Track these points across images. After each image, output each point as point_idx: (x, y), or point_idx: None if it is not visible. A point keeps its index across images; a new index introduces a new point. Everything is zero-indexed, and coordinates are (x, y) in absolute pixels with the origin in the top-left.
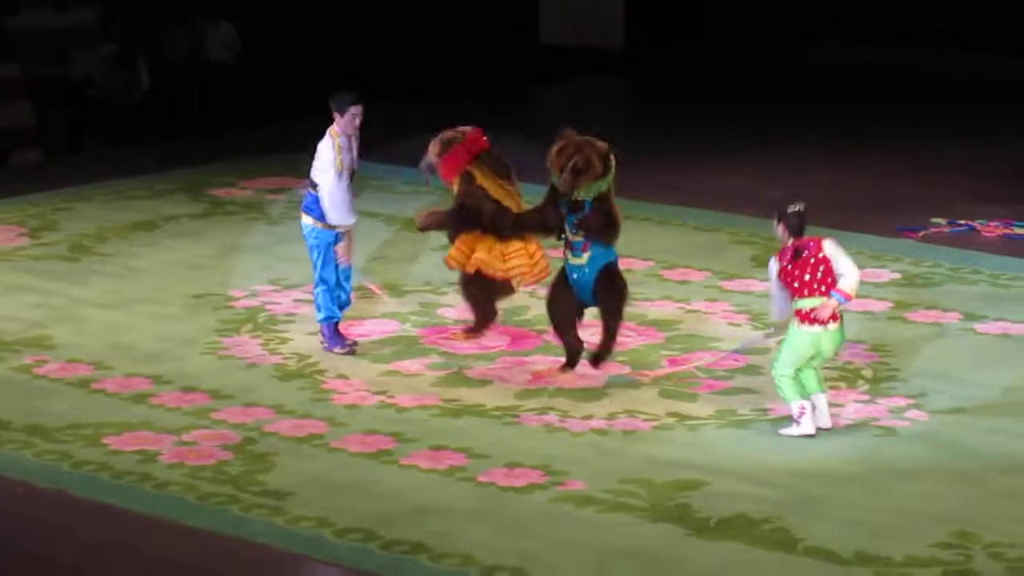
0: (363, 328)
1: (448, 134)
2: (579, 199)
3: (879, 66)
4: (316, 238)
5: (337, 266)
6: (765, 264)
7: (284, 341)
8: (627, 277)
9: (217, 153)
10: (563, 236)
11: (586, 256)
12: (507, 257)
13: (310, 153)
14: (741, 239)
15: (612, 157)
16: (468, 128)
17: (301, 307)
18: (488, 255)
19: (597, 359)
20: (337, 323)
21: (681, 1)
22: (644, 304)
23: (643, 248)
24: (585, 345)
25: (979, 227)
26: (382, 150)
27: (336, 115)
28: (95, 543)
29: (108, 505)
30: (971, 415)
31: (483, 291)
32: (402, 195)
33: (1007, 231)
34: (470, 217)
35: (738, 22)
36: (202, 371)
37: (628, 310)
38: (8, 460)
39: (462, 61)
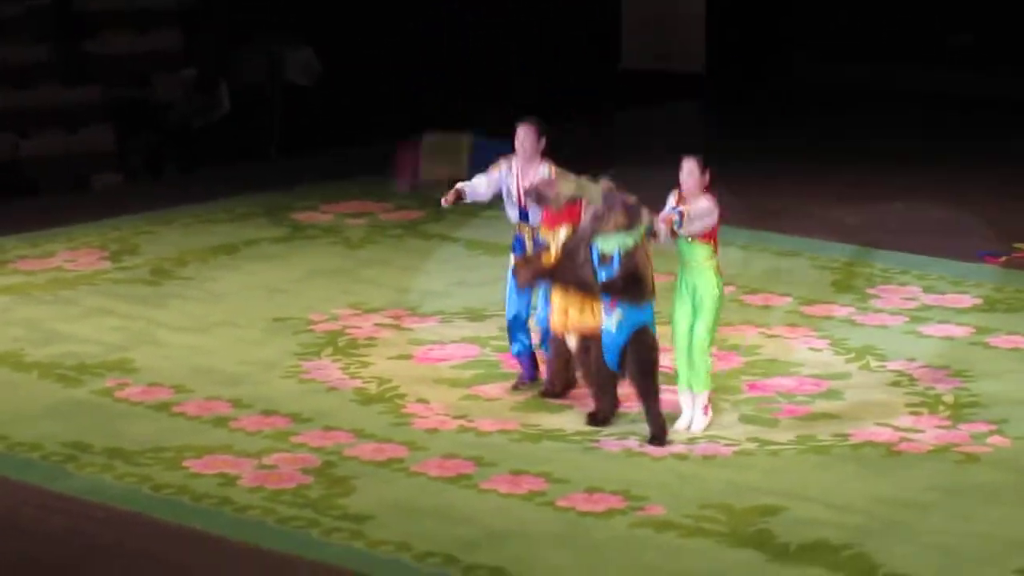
0: (443, 352)
1: (588, 183)
2: (607, 252)
3: (961, 91)
4: None
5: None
6: (846, 289)
7: (364, 365)
8: None
9: (297, 177)
10: None
11: (615, 317)
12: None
13: (389, 177)
14: (821, 264)
15: (642, 211)
16: (595, 181)
17: (381, 331)
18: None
19: (653, 441)
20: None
21: (761, 25)
22: (725, 329)
23: (724, 273)
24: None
25: None
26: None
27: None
28: (175, 567)
29: (188, 528)
30: None
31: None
32: (484, 219)
33: None
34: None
35: (818, 49)
36: (282, 395)
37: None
38: (88, 483)
39: (545, 87)
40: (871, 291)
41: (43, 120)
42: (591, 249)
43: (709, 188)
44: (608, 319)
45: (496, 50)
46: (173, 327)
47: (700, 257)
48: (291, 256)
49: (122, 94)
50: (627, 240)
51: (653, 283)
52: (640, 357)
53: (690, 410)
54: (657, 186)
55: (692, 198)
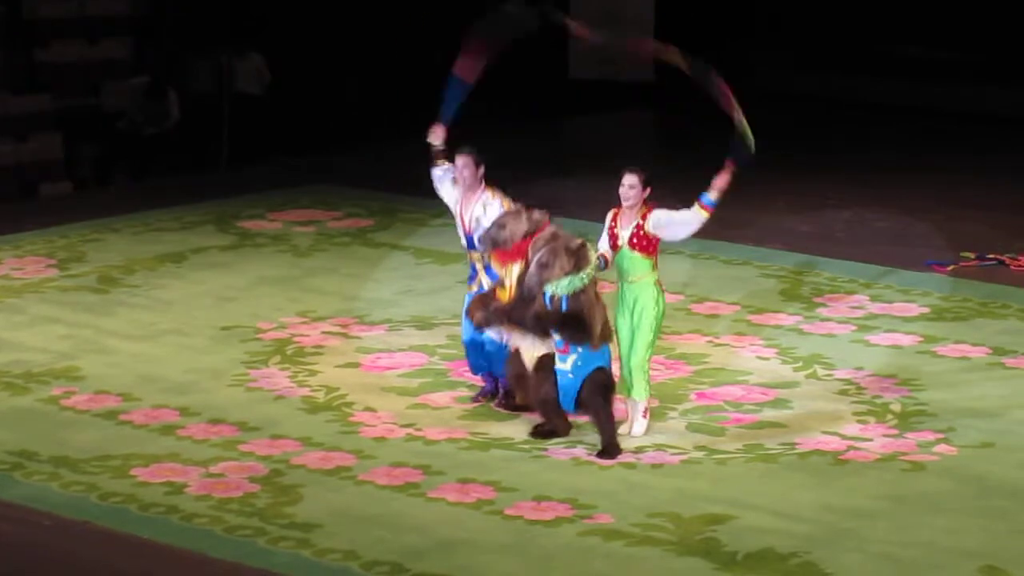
0: (391, 360)
1: (535, 215)
2: (556, 295)
3: (909, 101)
4: None
5: None
6: (794, 298)
7: (312, 373)
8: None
9: (246, 185)
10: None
11: (569, 361)
12: None
13: (337, 184)
14: (770, 273)
15: (588, 251)
16: (541, 213)
17: (329, 339)
18: None
19: (603, 455)
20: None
21: (712, 33)
22: (673, 338)
23: (672, 281)
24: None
25: (1009, 261)
26: (412, 184)
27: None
28: (121, 575)
29: (135, 537)
30: (1000, 450)
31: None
32: (432, 228)
33: None
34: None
35: (769, 55)
36: (230, 403)
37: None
38: (35, 492)
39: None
40: (819, 300)
41: None
42: (543, 293)
43: (649, 203)
44: (563, 363)
45: (444, 59)
46: (120, 335)
47: (641, 270)
48: (239, 264)
49: (72, 103)
50: (575, 283)
51: (607, 326)
52: (593, 388)
53: (631, 416)
54: (611, 196)
55: (633, 213)
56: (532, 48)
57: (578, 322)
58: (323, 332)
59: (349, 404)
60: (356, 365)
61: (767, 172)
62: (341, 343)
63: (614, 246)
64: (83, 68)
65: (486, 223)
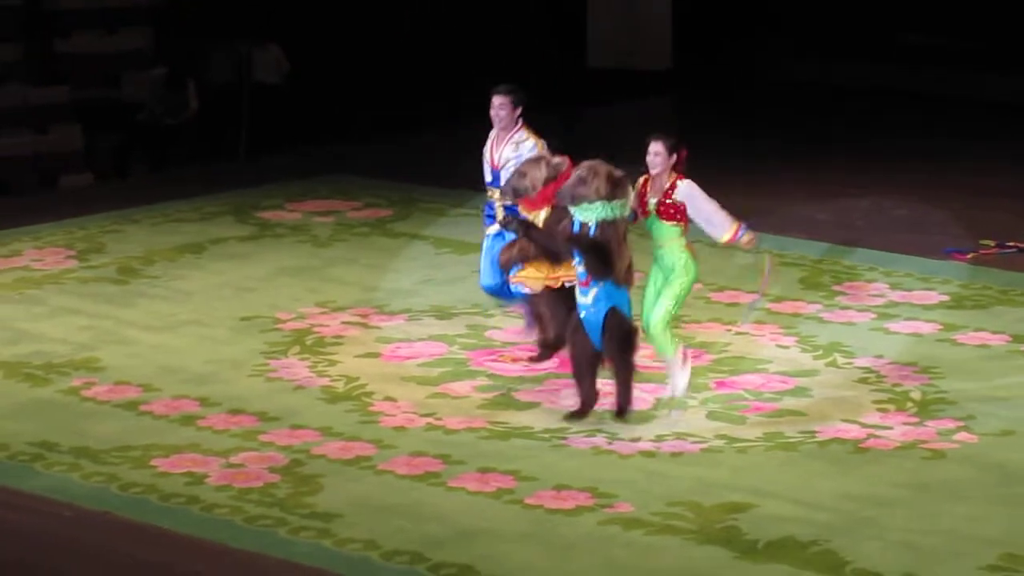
0: (411, 350)
1: (555, 160)
2: (586, 222)
3: (929, 89)
4: None
5: None
6: (813, 286)
7: (332, 363)
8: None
9: (265, 175)
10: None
11: (591, 295)
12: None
13: (356, 174)
14: (789, 261)
15: (627, 186)
16: (562, 159)
17: (349, 329)
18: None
19: (619, 415)
20: None
21: (728, 22)
22: (692, 327)
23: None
24: (600, 396)
25: None
26: (431, 173)
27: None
28: (142, 565)
29: (155, 527)
30: (1020, 437)
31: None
32: (451, 218)
33: None
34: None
35: (785, 45)
36: (250, 393)
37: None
38: (55, 483)
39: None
40: (838, 288)
41: (11, 120)
42: (572, 219)
43: (680, 171)
44: (584, 297)
45: (463, 49)
46: (140, 326)
47: (668, 236)
48: (258, 255)
49: (91, 94)
50: (607, 212)
51: (631, 269)
52: (619, 332)
53: (670, 375)
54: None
55: (661, 181)
56: (550, 37)
57: (602, 252)
58: (343, 322)
59: (369, 394)
60: (376, 355)
61: (784, 161)
62: (361, 333)
63: (643, 212)
64: (102, 59)
65: (515, 164)
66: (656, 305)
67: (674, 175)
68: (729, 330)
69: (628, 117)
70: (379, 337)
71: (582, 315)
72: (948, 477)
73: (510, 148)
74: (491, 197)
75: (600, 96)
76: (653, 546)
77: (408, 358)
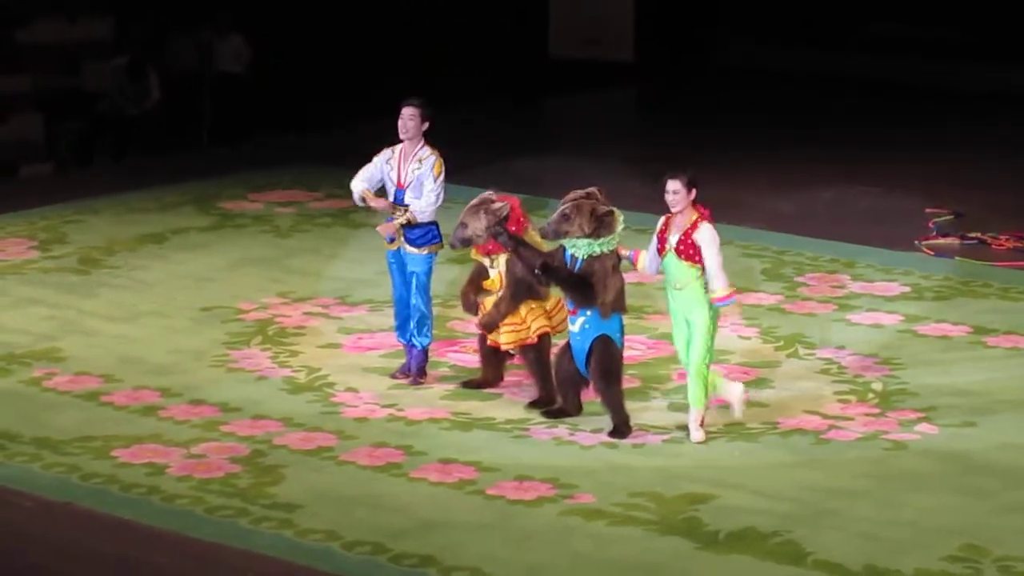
0: (372, 341)
1: (495, 206)
2: (574, 255)
3: (889, 78)
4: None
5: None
6: (775, 278)
7: (294, 354)
8: (637, 290)
9: (227, 165)
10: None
11: (579, 323)
12: (550, 313)
13: (320, 165)
14: (752, 252)
15: (614, 221)
16: (507, 202)
17: (310, 320)
18: (544, 319)
19: (613, 435)
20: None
21: (690, 13)
22: (655, 318)
23: None
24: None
25: (990, 240)
26: None
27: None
28: (103, 556)
29: (116, 517)
30: (981, 429)
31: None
32: None
33: (1018, 244)
34: (530, 291)
35: (748, 36)
36: (211, 384)
37: (626, 372)
38: (16, 473)
39: (473, 74)
40: (800, 279)
41: None
42: (563, 253)
43: (699, 206)
44: (572, 325)
45: (425, 37)
46: (102, 316)
47: (686, 278)
48: (220, 245)
49: (52, 82)
50: (592, 249)
51: (622, 297)
52: (602, 363)
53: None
54: (591, 175)
55: (682, 219)
56: (512, 27)
57: (584, 285)
58: (304, 312)
59: (331, 384)
60: (337, 345)
61: (748, 151)
62: (322, 323)
63: (661, 250)
64: (63, 48)
65: (418, 176)
66: (690, 355)
67: (696, 215)
68: None
69: (590, 108)
70: (341, 327)
71: (571, 341)
72: (909, 468)
73: (414, 164)
74: (392, 213)
75: (562, 86)
76: (614, 537)
77: (370, 349)
